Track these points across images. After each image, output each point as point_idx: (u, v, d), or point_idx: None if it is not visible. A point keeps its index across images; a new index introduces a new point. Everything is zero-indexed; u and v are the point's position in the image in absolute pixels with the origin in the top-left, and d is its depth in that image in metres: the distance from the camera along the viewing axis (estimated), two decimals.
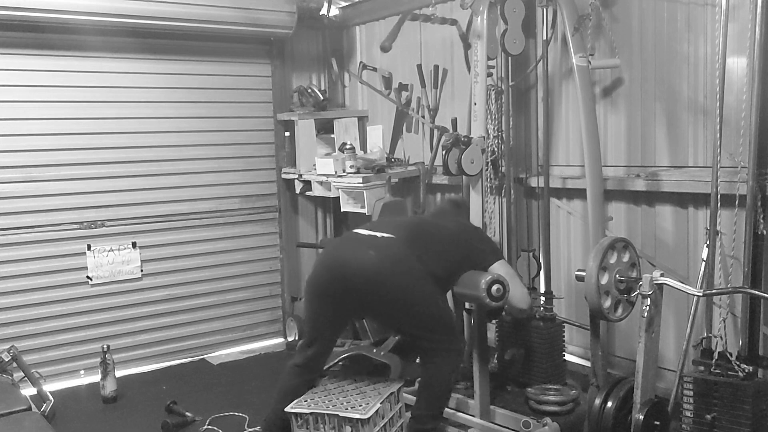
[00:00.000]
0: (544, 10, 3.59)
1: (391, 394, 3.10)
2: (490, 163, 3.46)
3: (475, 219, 3.33)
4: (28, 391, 3.73)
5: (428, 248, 3.04)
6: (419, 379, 3.14)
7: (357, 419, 2.86)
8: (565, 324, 3.58)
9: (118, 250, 4.58)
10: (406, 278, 2.94)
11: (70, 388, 4.30)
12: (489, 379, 3.31)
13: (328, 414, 2.91)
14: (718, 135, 2.92)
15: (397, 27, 3.66)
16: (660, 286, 2.81)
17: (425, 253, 3.00)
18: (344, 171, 4.54)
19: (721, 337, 2.91)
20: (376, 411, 2.93)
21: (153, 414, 3.80)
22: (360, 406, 2.93)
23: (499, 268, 3.08)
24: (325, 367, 3.41)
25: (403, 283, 2.94)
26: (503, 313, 3.30)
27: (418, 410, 3.04)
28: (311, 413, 2.94)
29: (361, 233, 3.13)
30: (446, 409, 3.19)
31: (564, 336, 3.56)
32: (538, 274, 3.67)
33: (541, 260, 3.70)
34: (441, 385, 3.04)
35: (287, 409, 2.98)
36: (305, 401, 3.02)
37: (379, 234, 3.06)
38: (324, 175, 4.69)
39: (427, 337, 3.00)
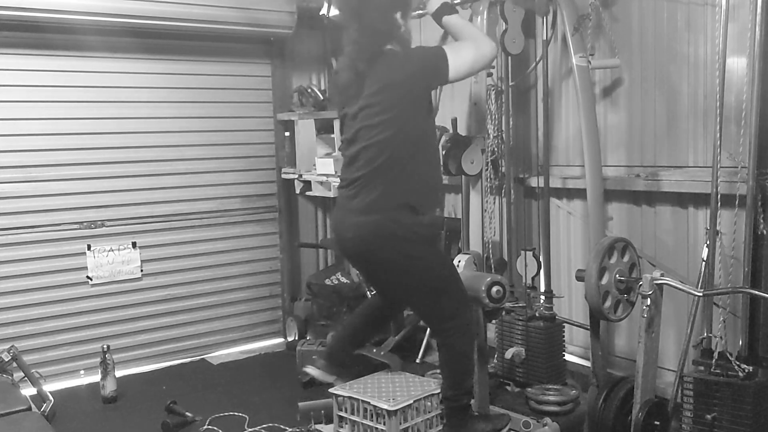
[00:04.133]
0: None
1: (436, 394, 3.08)
2: (490, 163, 3.47)
3: (476, 219, 3.33)
4: (28, 391, 3.72)
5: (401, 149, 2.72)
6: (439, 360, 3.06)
7: (384, 409, 2.88)
8: (565, 324, 3.58)
9: (118, 250, 4.58)
10: (391, 246, 2.75)
11: (70, 388, 4.30)
12: (489, 378, 3.31)
13: (361, 399, 2.96)
14: (718, 135, 2.92)
15: None
16: (660, 286, 2.81)
17: (399, 164, 2.72)
18: None
19: (721, 337, 2.91)
20: (408, 405, 2.93)
21: (153, 414, 3.80)
22: (398, 398, 2.95)
23: (449, 54, 2.72)
24: None
25: (390, 254, 2.77)
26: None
27: (446, 392, 2.98)
28: (348, 397, 3.03)
29: (343, 195, 2.88)
30: None
31: (564, 336, 3.56)
32: (538, 273, 3.67)
33: (541, 260, 3.70)
34: (461, 363, 2.94)
35: (331, 390, 3.09)
36: (348, 386, 3.12)
37: (353, 190, 2.78)
38: (324, 174, 4.69)
39: (432, 312, 2.91)
